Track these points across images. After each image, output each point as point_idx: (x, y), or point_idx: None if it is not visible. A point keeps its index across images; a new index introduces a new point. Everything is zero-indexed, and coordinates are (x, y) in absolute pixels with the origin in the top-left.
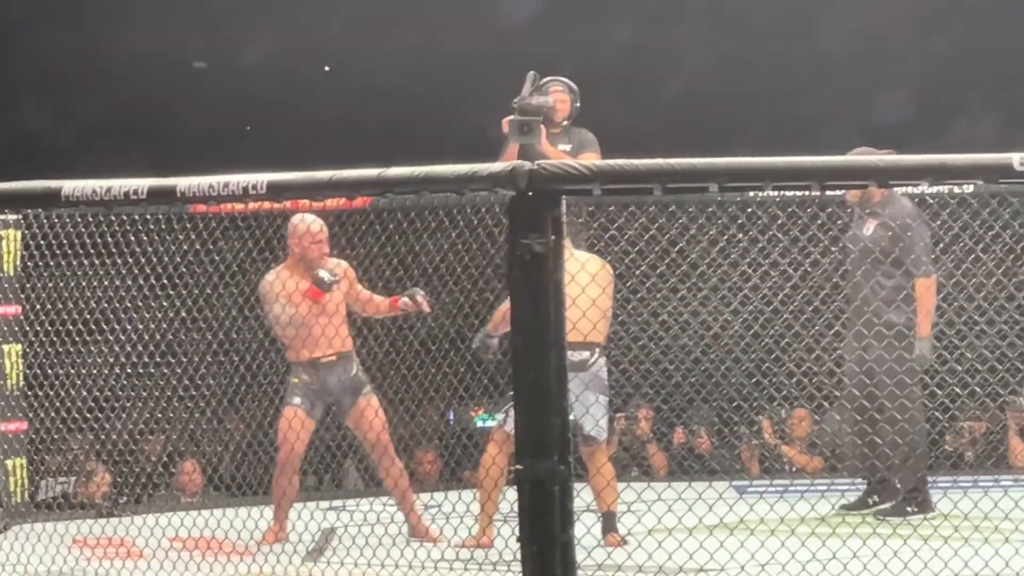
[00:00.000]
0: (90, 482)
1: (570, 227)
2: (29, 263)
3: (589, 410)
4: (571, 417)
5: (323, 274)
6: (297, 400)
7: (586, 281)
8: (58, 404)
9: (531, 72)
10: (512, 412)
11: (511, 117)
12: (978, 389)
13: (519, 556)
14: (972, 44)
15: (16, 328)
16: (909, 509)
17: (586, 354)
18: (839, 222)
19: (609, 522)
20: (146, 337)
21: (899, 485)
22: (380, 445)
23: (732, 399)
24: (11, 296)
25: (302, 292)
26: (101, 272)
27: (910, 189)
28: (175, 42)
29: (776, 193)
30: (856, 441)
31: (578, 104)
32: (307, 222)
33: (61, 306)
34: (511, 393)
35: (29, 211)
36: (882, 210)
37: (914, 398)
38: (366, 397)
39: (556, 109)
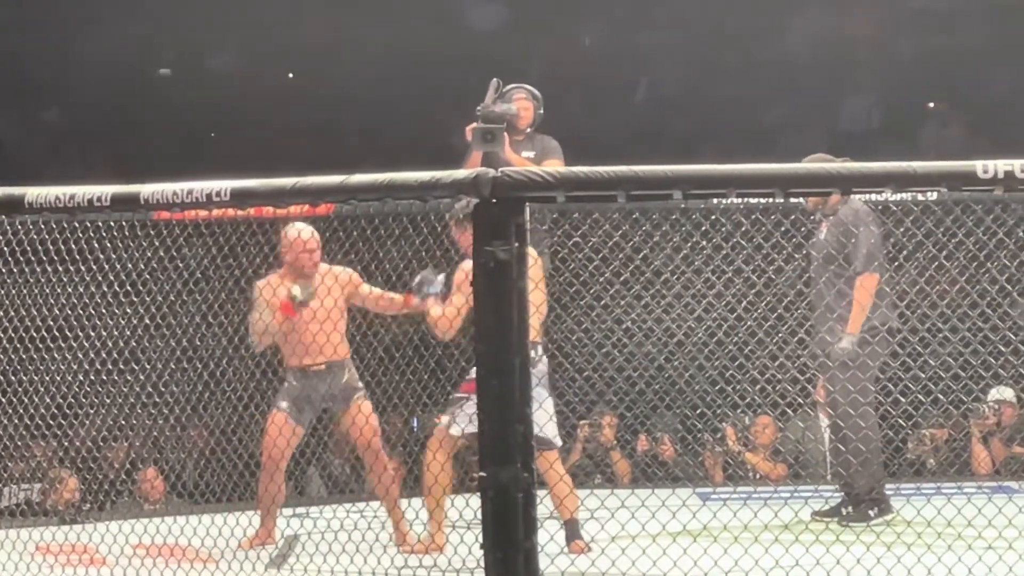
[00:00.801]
0: (54, 489)
1: (533, 234)
2: None
3: (543, 407)
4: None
5: (296, 291)
6: (284, 404)
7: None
8: (21, 411)
9: (494, 79)
10: (459, 415)
11: (474, 125)
12: (941, 396)
13: (482, 563)
14: (937, 51)
15: None
16: (871, 513)
17: (534, 352)
18: (803, 229)
19: (573, 529)
20: (109, 344)
21: (858, 489)
22: (371, 451)
23: (696, 406)
24: None
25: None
26: (65, 279)
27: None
28: (140, 49)
29: (740, 200)
30: (840, 448)
31: (541, 111)
32: (298, 229)
33: (24, 313)
34: (456, 395)
35: None
36: (834, 213)
37: (868, 397)
38: (357, 402)
39: (520, 116)
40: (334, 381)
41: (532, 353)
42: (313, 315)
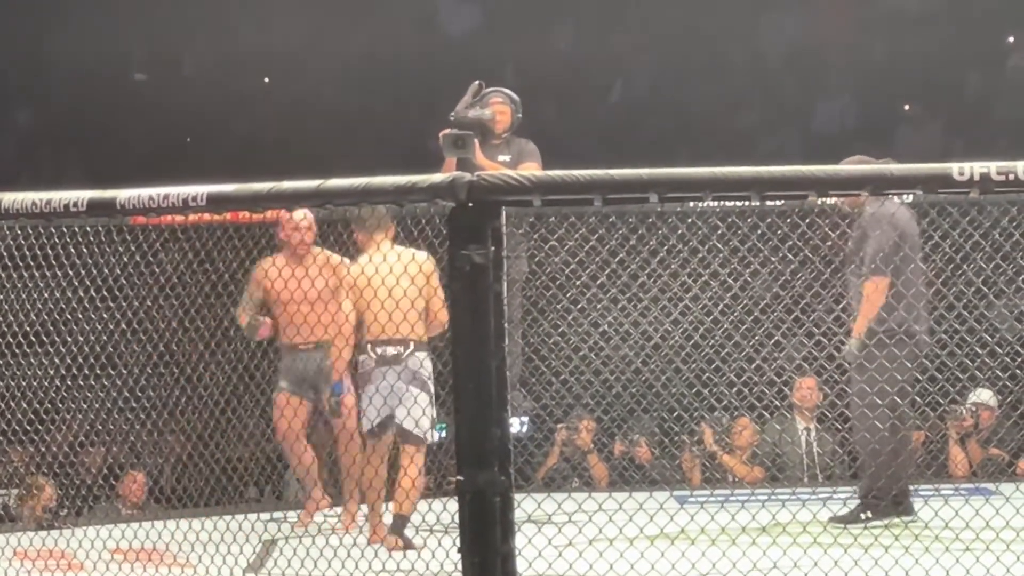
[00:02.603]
0: (31, 495)
1: (510, 238)
2: None
3: (404, 402)
4: (391, 411)
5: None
6: (283, 384)
7: (398, 276)
8: None
9: (476, 82)
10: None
11: (447, 131)
12: (918, 398)
13: (460, 567)
14: (912, 53)
15: None
16: (863, 516)
17: (399, 348)
18: (778, 232)
19: (399, 524)
20: (86, 349)
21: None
22: (346, 432)
23: (673, 409)
24: None
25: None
26: (41, 284)
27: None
28: (115, 54)
29: (716, 203)
30: (859, 451)
31: (520, 115)
32: (294, 211)
33: (0, 318)
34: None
35: None
36: (861, 215)
37: (885, 399)
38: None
39: (496, 121)
40: (317, 363)
41: (401, 349)
42: (304, 296)
